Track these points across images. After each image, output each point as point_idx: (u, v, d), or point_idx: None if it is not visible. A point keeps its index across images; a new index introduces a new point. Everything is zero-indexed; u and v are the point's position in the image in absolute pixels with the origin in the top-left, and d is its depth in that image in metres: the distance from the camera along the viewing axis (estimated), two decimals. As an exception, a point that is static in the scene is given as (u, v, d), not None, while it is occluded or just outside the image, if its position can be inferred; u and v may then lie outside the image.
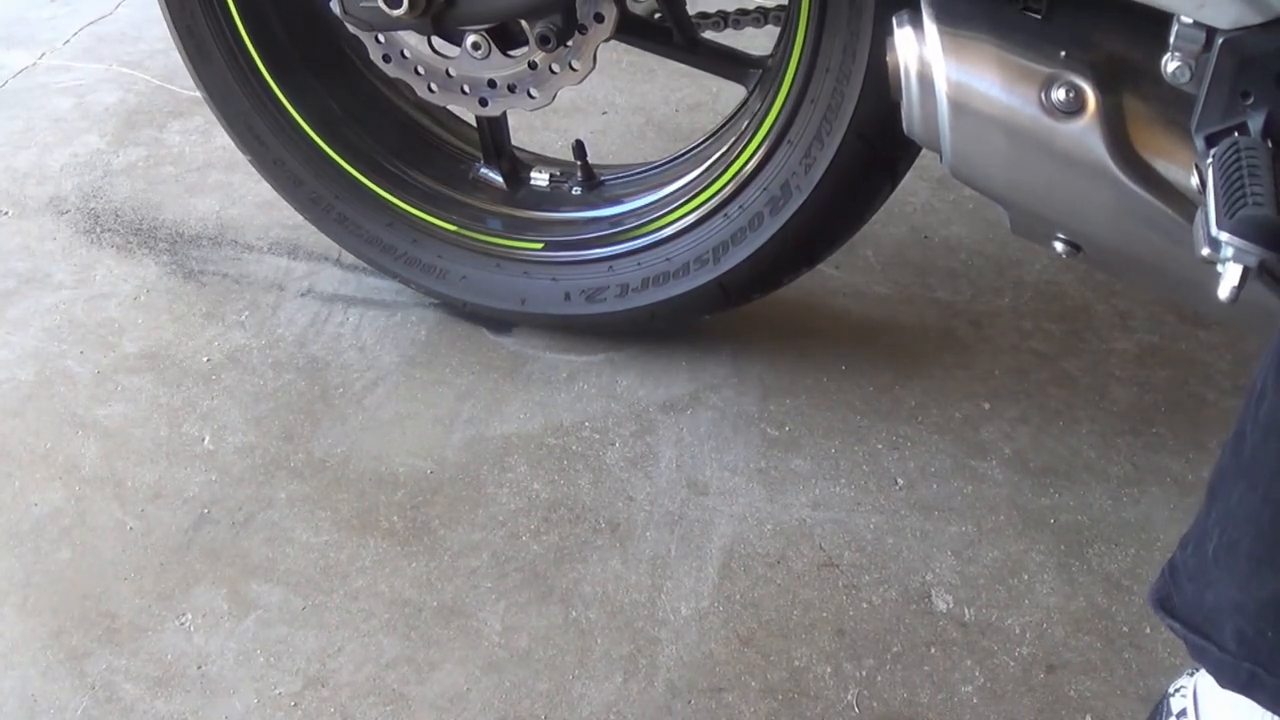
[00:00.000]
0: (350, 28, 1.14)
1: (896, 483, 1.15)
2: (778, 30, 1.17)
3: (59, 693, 0.98)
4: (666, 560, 1.08)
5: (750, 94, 1.21)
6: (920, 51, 0.82)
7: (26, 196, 1.61)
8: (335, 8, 1.09)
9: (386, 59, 1.18)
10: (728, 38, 1.25)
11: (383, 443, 1.21)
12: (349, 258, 1.47)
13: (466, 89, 1.17)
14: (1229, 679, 0.71)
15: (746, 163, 1.15)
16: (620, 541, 1.10)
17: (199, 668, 1.00)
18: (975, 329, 1.33)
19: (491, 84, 1.16)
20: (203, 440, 1.22)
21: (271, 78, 1.29)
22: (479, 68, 1.15)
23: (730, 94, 1.21)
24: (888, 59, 0.86)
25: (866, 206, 1.16)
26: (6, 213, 1.58)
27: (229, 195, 1.59)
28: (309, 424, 1.23)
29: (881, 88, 0.95)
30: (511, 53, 1.14)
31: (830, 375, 1.27)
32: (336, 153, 1.31)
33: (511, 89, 1.15)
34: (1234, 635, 0.69)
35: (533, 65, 1.13)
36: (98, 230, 1.53)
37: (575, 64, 1.12)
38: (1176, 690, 0.84)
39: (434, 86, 1.18)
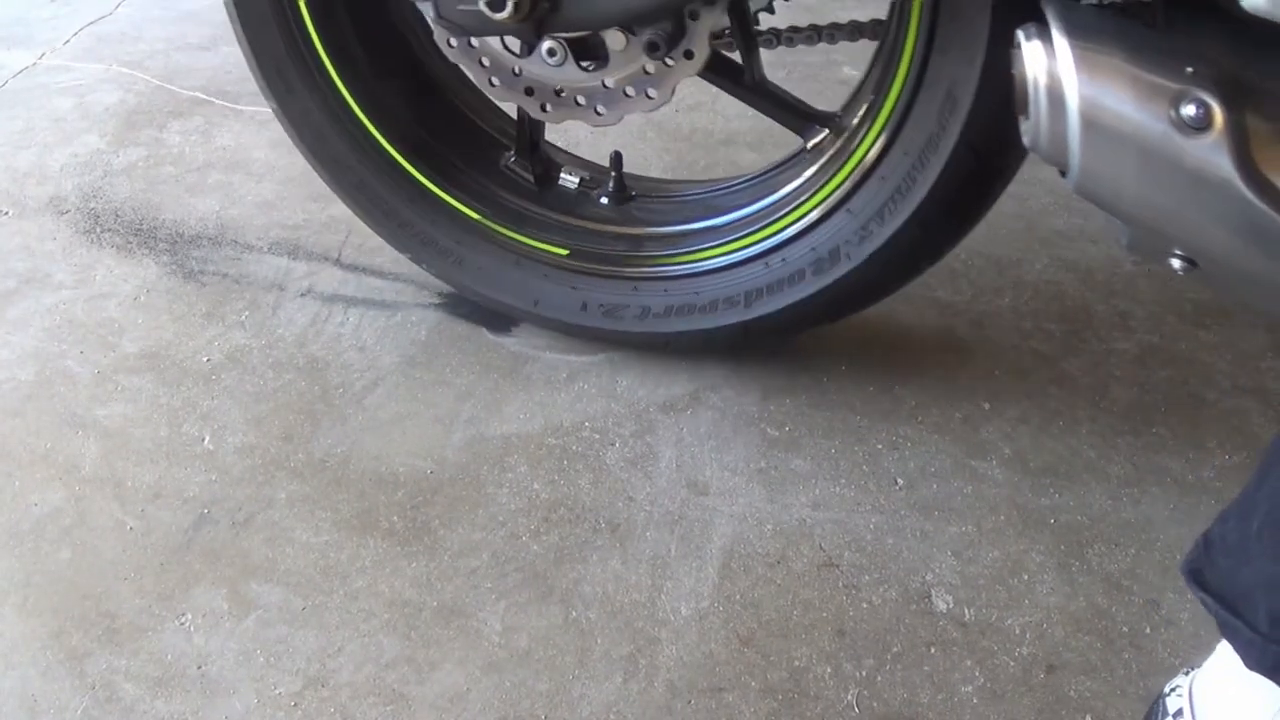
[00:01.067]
0: (436, 25, 1.10)
1: (896, 483, 1.15)
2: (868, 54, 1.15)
3: (59, 693, 0.98)
4: (666, 560, 1.08)
5: (805, 149, 1.19)
6: (1050, 66, 0.80)
7: (26, 196, 1.61)
8: (428, 12, 1.05)
9: (451, 44, 1.15)
10: (820, 52, 1.24)
11: (383, 443, 1.21)
12: (349, 257, 1.47)
13: (532, 92, 1.14)
14: (1256, 660, 0.71)
15: (798, 220, 1.15)
16: (620, 541, 1.10)
17: (199, 668, 1.00)
18: (975, 329, 1.33)
19: (558, 92, 1.13)
20: (203, 440, 1.22)
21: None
22: (550, 75, 1.11)
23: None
24: (1014, 73, 0.83)
25: (906, 279, 1.16)
26: (6, 213, 1.58)
27: (229, 195, 1.59)
28: (309, 424, 1.23)
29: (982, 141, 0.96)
30: (585, 64, 1.10)
31: (830, 375, 1.27)
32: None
33: (578, 102, 1.13)
34: (1267, 615, 0.68)
35: (605, 85, 1.10)
36: (98, 230, 1.53)
37: (652, 92, 1.09)
38: (1172, 690, 0.84)
39: (495, 80, 1.15)
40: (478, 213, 1.29)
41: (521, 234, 1.28)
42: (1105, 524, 1.10)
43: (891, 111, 1.06)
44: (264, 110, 1.79)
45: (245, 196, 1.59)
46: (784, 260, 1.16)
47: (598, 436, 1.21)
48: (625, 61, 1.08)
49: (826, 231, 1.13)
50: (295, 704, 0.96)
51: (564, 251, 1.27)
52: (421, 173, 1.29)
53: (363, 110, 1.27)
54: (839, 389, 1.25)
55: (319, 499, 1.15)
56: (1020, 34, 0.83)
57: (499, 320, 1.36)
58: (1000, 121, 0.96)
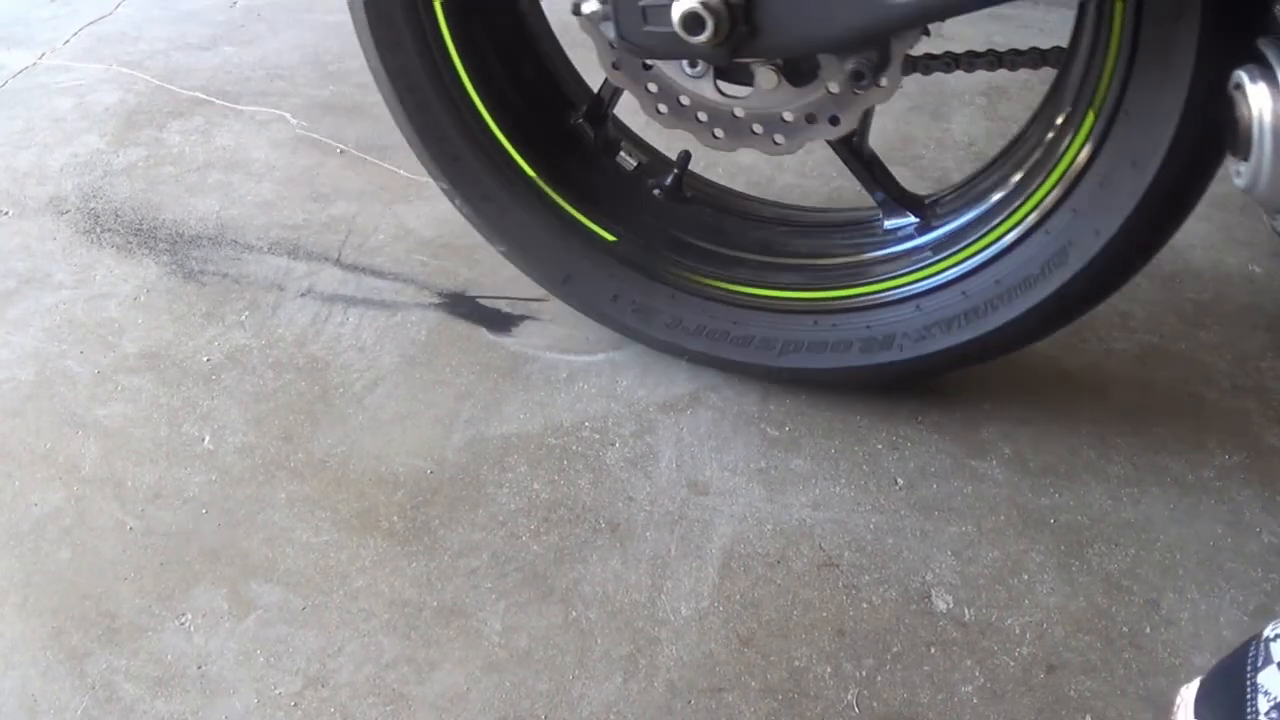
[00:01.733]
0: (617, 46, 1.06)
1: (896, 483, 1.15)
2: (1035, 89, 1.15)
3: (59, 693, 0.98)
4: (666, 560, 1.08)
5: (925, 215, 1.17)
6: (1278, 108, 0.78)
7: (26, 196, 1.61)
8: (609, 31, 1.02)
9: (616, 66, 1.12)
10: (1001, 78, 1.21)
11: (383, 443, 1.21)
12: (349, 257, 1.47)
13: (705, 118, 1.10)
14: None
15: (947, 269, 1.11)
16: (620, 541, 1.10)
17: (199, 668, 1.00)
18: (975, 329, 1.33)
19: (733, 115, 1.09)
20: (203, 440, 1.22)
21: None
22: (728, 100, 1.08)
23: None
24: (1236, 115, 0.81)
25: (1038, 337, 1.13)
26: (6, 213, 1.58)
27: (229, 195, 1.59)
28: (309, 424, 1.23)
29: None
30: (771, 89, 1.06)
31: (830, 375, 1.27)
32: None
33: (754, 130, 1.09)
34: None
35: (785, 114, 1.07)
36: (98, 230, 1.53)
37: (838, 119, 1.05)
38: (1276, 635, 0.81)
39: (663, 108, 1.12)
40: (534, 169, 1.24)
41: (575, 207, 1.24)
42: (1105, 524, 1.10)
43: (1066, 168, 1.01)
44: (264, 110, 1.79)
45: (245, 196, 1.59)
46: (835, 326, 1.14)
47: (598, 436, 1.21)
48: (813, 88, 1.04)
49: (933, 305, 1.10)
50: (295, 704, 0.96)
51: (612, 238, 1.24)
52: (487, 110, 1.23)
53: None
54: (839, 389, 1.25)
55: (319, 499, 1.15)
56: (1243, 75, 0.81)
57: (499, 320, 1.36)
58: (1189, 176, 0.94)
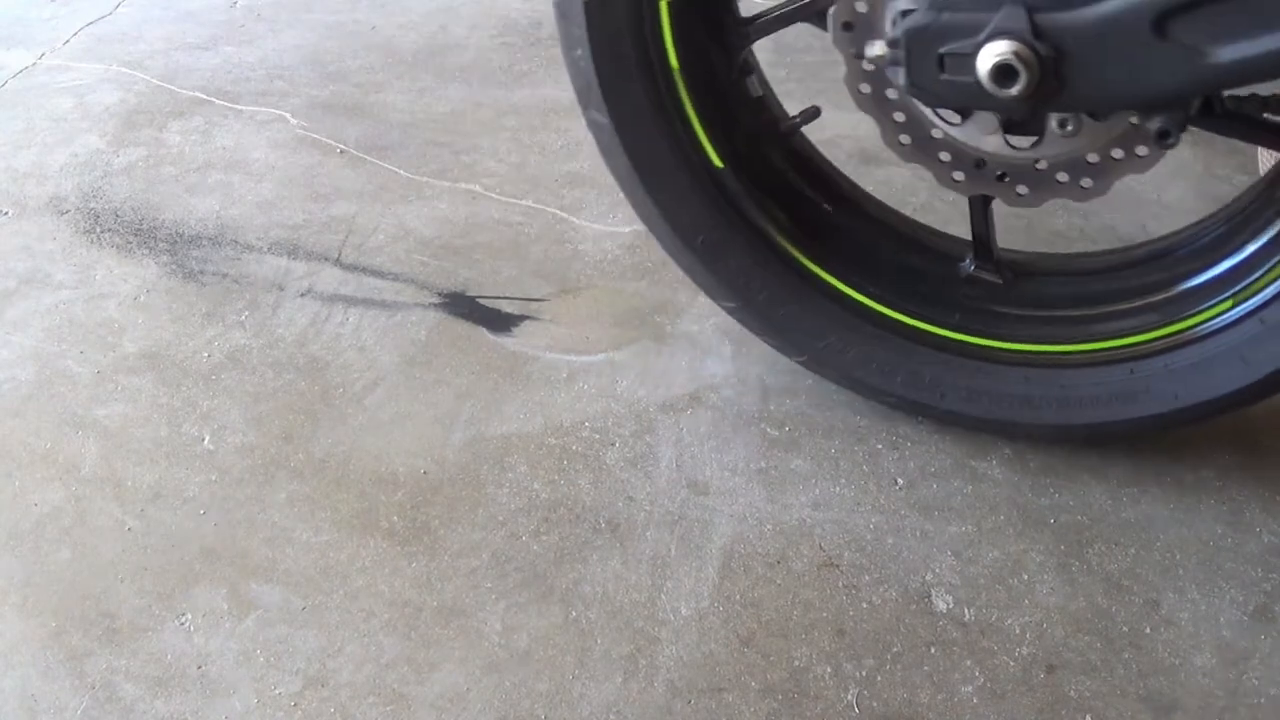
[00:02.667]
0: (908, 93, 0.98)
1: (896, 483, 1.15)
2: None
3: (59, 693, 0.98)
4: (666, 560, 1.08)
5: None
6: None
7: (26, 196, 1.61)
8: (898, 78, 0.94)
9: (907, 141, 1.04)
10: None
11: (383, 443, 1.21)
12: (349, 257, 1.47)
13: (1004, 176, 1.03)
14: None
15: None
16: (620, 541, 1.10)
17: (199, 668, 1.00)
18: (975, 329, 1.33)
19: (980, 164, 1.03)
20: (203, 440, 1.22)
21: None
22: (1016, 152, 1.01)
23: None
24: None
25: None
26: (6, 213, 1.58)
27: (229, 195, 1.59)
28: (309, 424, 1.23)
29: None
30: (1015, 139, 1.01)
31: (830, 375, 1.27)
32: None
33: (1058, 180, 1.01)
34: None
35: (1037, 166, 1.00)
36: (98, 230, 1.53)
37: (1139, 159, 0.97)
38: None
39: (959, 176, 1.05)
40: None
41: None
42: (1105, 524, 1.10)
43: None
44: (264, 110, 1.79)
45: (245, 196, 1.59)
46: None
47: (598, 436, 1.21)
48: (1101, 138, 0.98)
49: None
50: (295, 704, 0.96)
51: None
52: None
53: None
54: (839, 389, 1.25)
55: (319, 499, 1.15)
56: None
57: (499, 320, 1.36)
58: None
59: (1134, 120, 0.96)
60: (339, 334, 1.35)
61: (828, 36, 1.02)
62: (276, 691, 0.98)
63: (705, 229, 1.12)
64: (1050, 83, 0.89)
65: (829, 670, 0.98)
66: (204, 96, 1.84)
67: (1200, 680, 0.96)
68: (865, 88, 1.02)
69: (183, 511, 1.14)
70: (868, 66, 1.00)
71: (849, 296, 1.16)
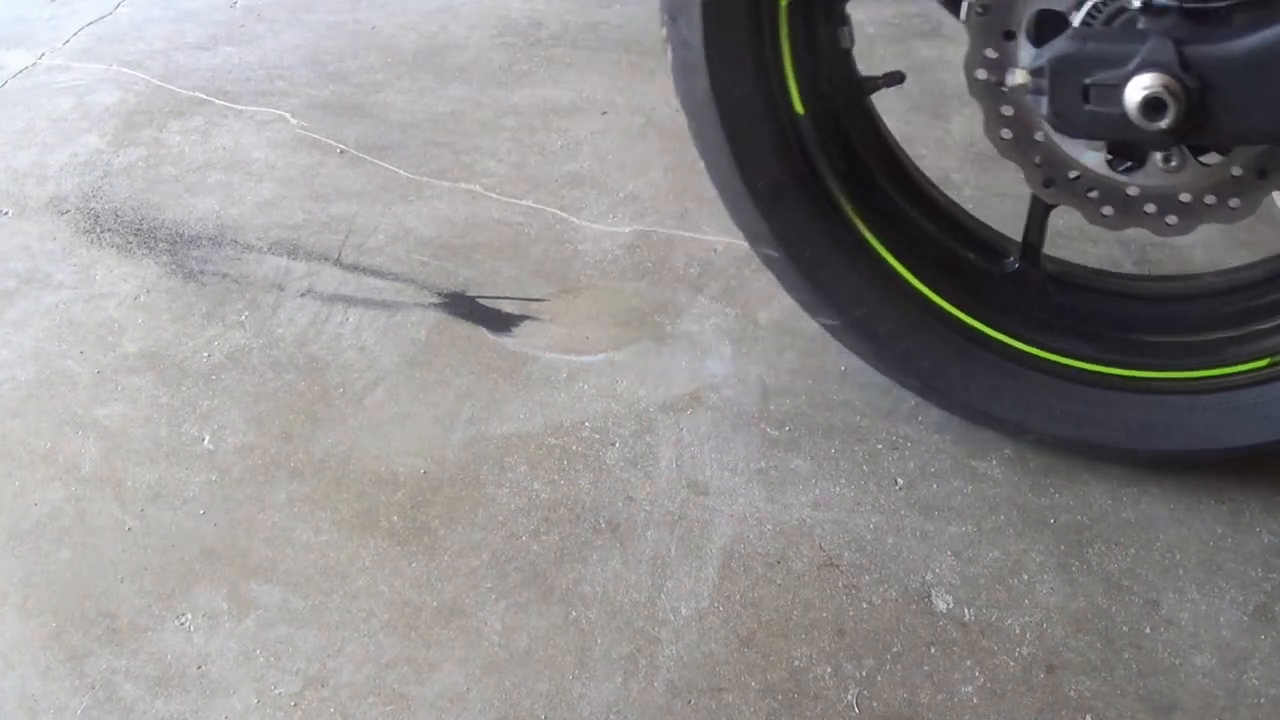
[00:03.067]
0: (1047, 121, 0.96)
1: (896, 483, 1.15)
2: None
3: (59, 693, 0.98)
4: (666, 560, 1.08)
5: None
6: None
7: (26, 196, 1.61)
8: (1043, 108, 0.93)
9: (1049, 183, 1.02)
10: None
11: (383, 443, 1.21)
12: (349, 257, 1.47)
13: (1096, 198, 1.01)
14: None
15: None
16: (620, 541, 1.10)
17: (199, 668, 1.00)
18: (975, 329, 1.33)
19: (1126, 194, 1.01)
20: (203, 440, 1.22)
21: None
22: (1128, 180, 0.99)
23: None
24: None
25: None
26: (6, 213, 1.58)
27: (229, 195, 1.59)
28: (309, 424, 1.23)
29: None
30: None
31: (830, 375, 1.27)
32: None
33: (1145, 211, 1.00)
34: None
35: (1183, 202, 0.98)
36: (98, 230, 1.53)
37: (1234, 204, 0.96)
38: None
39: (1108, 211, 1.02)
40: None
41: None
42: (1105, 524, 1.10)
43: None
44: (264, 110, 1.80)
45: (245, 196, 1.59)
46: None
47: (598, 436, 1.21)
48: (1201, 180, 0.97)
49: None
50: (295, 704, 0.96)
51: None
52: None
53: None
54: (839, 389, 1.25)
55: (319, 499, 1.15)
56: None
57: (499, 320, 1.36)
58: None
59: (1237, 171, 0.95)
60: (339, 334, 1.35)
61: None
62: (276, 691, 0.98)
63: (770, 174, 1.09)
64: (1195, 116, 0.88)
65: (829, 670, 0.98)
66: (204, 96, 1.84)
67: (1200, 680, 0.96)
68: (1006, 133, 1.01)
69: (183, 511, 1.14)
70: (1006, 112, 0.99)
71: (896, 270, 1.14)
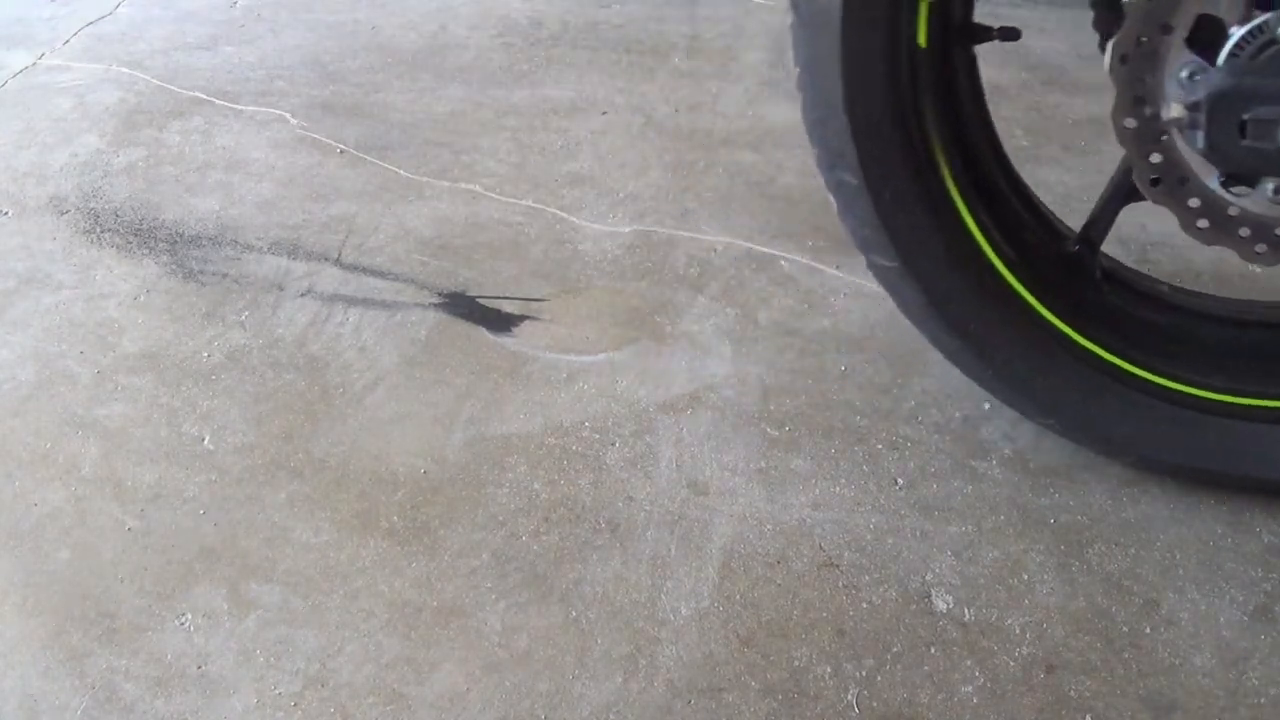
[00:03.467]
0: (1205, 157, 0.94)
1: (896, 483, 1.15)
2: None
3: (59, 693, 0.98)
4: (666, 560, 1.08)
5: None
6: None
7: (26, 196, 1.61)
8: (1194, 141, 0.92)
9: (1209, 224, 0.99)
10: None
11: (383, 443, 1.21)
12: (349, 257, 1.47)
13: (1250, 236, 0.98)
14: None
15: None
16: (620, 541, 1.10)
17: (199, 668, 1.00)
18: (975, 329, 1.33)
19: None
20: (203, 440, 1.22)
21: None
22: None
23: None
24: None
25: None
26: (6, 213, 1.58)
27: (229, 195, 1.59)
28: (309, 424, 1.23)
29: None
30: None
31: (830, 375, 1.27)
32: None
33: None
34: None
35: None
36: (98, 230, 1.53)
37: None
38: None
39: (1204, 223, 1.00)
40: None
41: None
42: (1105, 524, 1.10)
43: None
44: (264, 110, 1.79)
45: (245, 196, 1.59)
46: None
47: (598, 436, 1.21)
48: None
49: None
50: (295, 704, 0.96)
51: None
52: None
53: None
54: (839, 389, 1.25)
55: (319, 499, 1.15)
56: None
57: (499, 320, 1.36)
58: None
59: None
60: (339, 334, 1.35)
61: None
62: (276, 691, 0.98)
63: (881, 108, 1.06)
64: None
65: (829, 670, 0.98)
66: (204, 96, 1.84)
67: (1200, 680, 0.96)
68: (1157, 179, 0.99)
69: (183, 511, 1.14)
70: (1156, 160, 0.98)
71: (963, 216, 1.12)
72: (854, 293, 1.38)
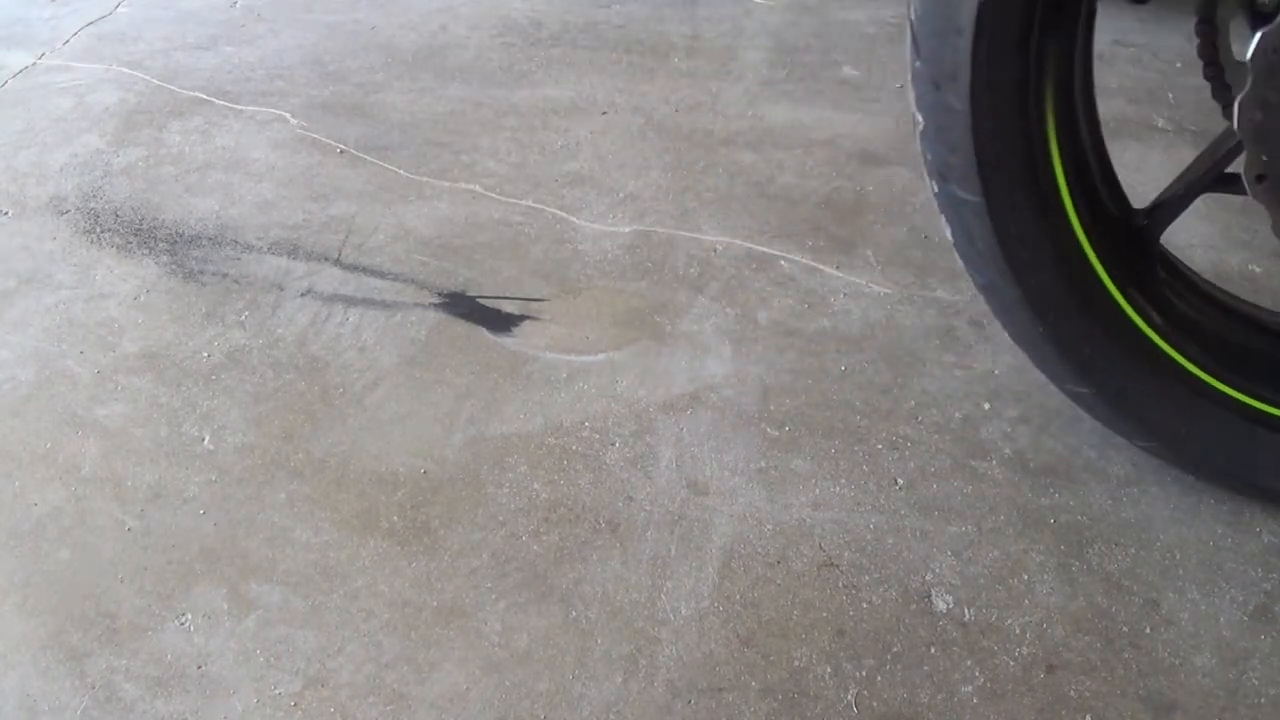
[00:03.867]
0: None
1: (896, 483, 1.15)
2: None
3: (59, 693, 0.98)
4: (666, 560, 1.08)
5: None
6: None
7: (26, 196, 1.61)
8: None
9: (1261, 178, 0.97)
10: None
11: (383, 443, 1.21)
12: (349, 257, 1.47)
13: None
14: None
15: None
16: (620, 541, 1.10)
17: (199, 668, 1.00)
18: (975, 329, 1.33)
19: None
20: (203, 440, 1.22)
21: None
22: None
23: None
24: None
25: None
26: (6, 213, 1.58)
27: (229, 195, 1.59)
28: (309, 424, 1.23)
29: None
30: None
31: (830, 375, 1.27)
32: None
33: None
34: None
35: None
36: (98, 230, 1.53)
37: None
38: None
39: None
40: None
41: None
42: (1105, 524, 1.10)
43: None
44: (264, 110, 1.79)
45: (245, 196, 1.59)
46: None
47: (598, 436, 1.21)
48: None
49: None
50: (295, 704, 0.96)
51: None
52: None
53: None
54: (839, 389, 1.25)
55: (319, 499, 1.15)
56: None
57: (499, 320, 1.36)
58: None
59: None
60: (339, 334, 1.35)
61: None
62: (276, 691, 0.98)
63: (1010, 35, 1.03)
64: None
65: (829, 670, 0.98)
66: (204, 96, 1.84)
67: (1200, 680, 0.96)
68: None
69: (183, 511, 1.14)
70: (1266, 158, 0.96)
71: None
72: (854, 293, 1.38)
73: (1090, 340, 1.10)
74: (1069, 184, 1.07)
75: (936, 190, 1.08)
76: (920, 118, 1.05)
